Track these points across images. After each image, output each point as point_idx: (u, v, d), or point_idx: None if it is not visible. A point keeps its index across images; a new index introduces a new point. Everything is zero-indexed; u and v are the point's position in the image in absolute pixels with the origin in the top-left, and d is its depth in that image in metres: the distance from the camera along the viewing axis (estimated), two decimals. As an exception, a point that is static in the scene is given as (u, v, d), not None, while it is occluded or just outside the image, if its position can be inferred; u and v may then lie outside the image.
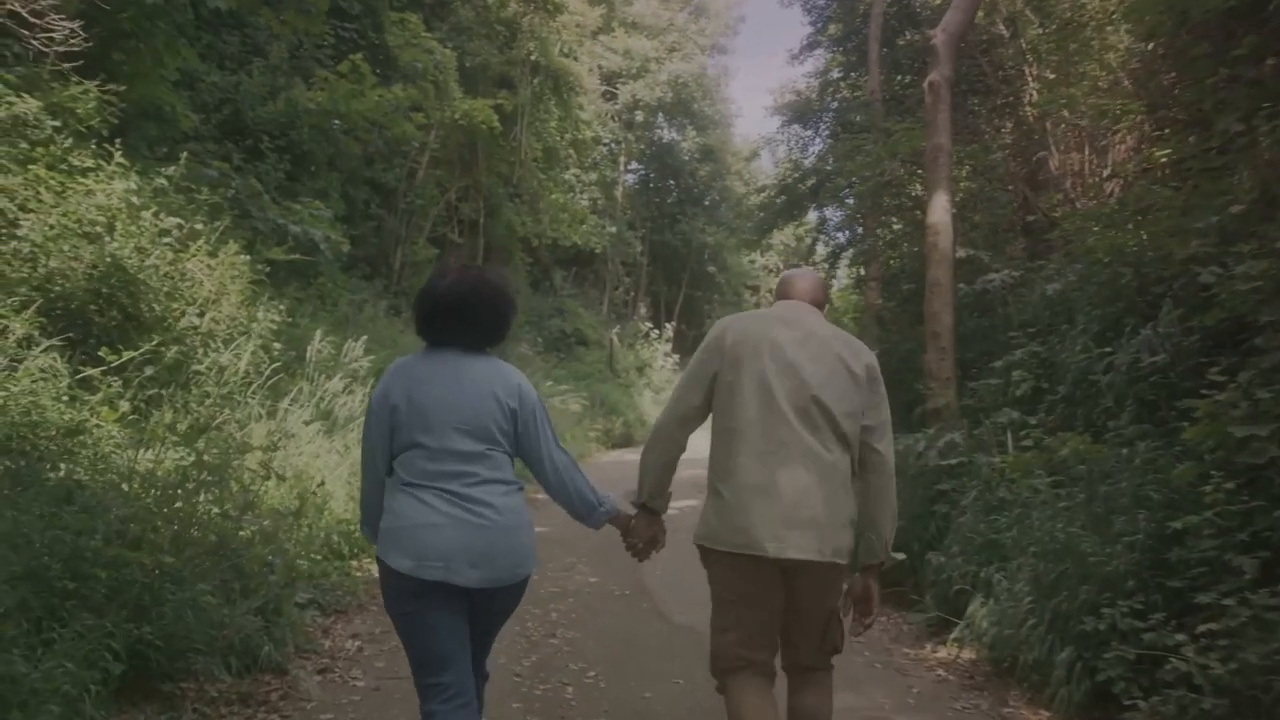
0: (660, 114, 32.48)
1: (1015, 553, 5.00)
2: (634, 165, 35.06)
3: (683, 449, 3.10)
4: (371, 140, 15.36)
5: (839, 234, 14.34)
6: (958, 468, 6.40)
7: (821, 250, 15.27)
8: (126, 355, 5.66)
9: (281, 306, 8.64)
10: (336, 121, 13.96)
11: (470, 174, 19.99)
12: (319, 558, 6.39)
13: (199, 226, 8.05)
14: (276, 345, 8.39)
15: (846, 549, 2.86)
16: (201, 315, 7.38)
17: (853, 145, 9.72)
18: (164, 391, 6.14)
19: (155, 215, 7.40)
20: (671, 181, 35.52)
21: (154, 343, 5.96)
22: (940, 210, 7.95)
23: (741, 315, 3.15)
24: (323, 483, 6.82)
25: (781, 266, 43.97)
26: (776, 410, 2.81)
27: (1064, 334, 6.93)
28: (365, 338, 9.10)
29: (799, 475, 2.77)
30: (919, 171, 9.27)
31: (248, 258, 8.13)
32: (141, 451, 5.14)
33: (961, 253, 8.24)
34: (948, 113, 8.17)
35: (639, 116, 31.47)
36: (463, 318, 2.85)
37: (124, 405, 5.59)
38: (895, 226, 10.53)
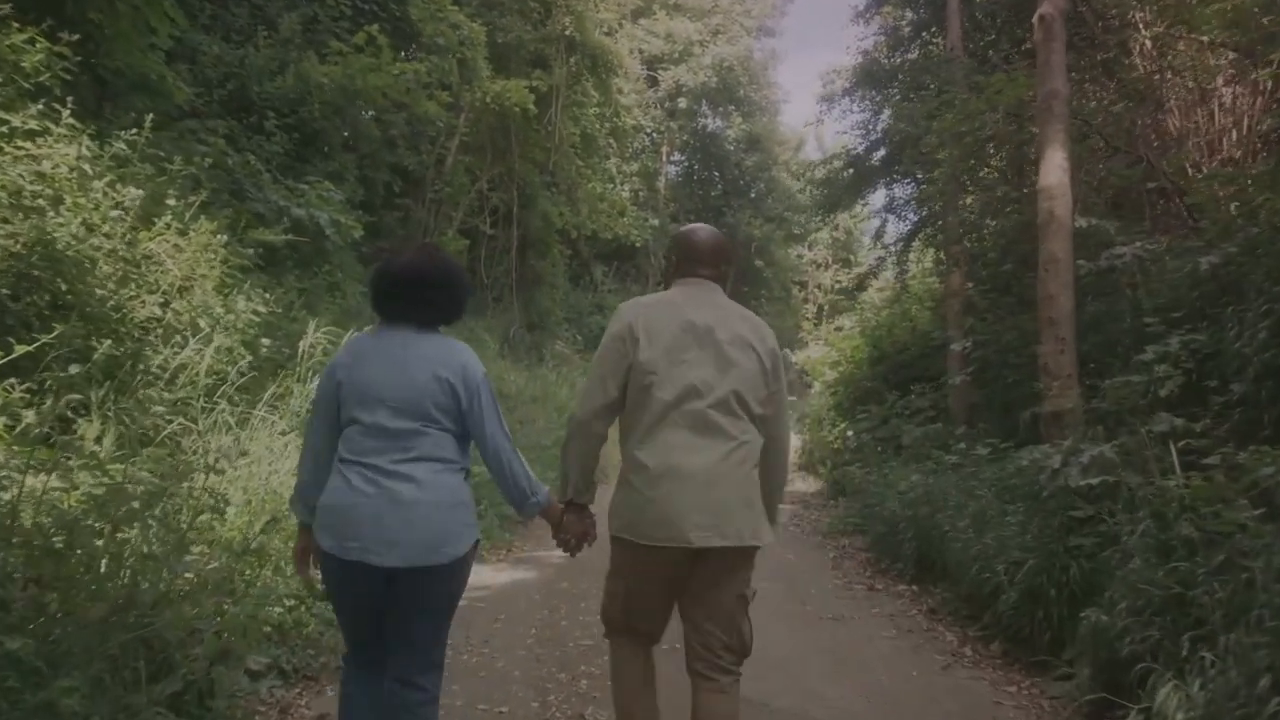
0: (704, 101, 31.02)
1: (1224, 618, 3.57)
2: (676, 156, 33.65)
3: (604, 440, 3.03)
4: (393, 120, 14.17)
5: (911, 212, 12.80)
6: (1100, 489, 4.96)
7: (892, 231, 13.78)
8: (20, 349, 4.39)
9: (268, 295, 7.41)
10: (361, 105, 12.81)
11: (503, 161, 18.74)
12: (292, 602, 5.11)
13: (171, 201, 6.87)
14: (265, 341, 7.19)
15: (763, 531, 2.92)
16: (166, 304, 6.17)
17: (941, 100, 8.24)
18: (93, 396, 4.89)
19: (110, 186, 6.22)
20: (716, 173, 34.05)
21: (54, 333, 4.66)
22: (1056, 170, 6.51)
23: (646, 302, 3.07)
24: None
25: (830, 261, 42.38)
26: (695, 401, 2.83)
27: (1228, 318, 5.48)
28: (369, 328, 7.79)
29: (719, 464, 2.81)
30: (1018, 129, 7.82)
31: (224, 238, 6.88)
32: (37, 478, 3.87)
33: (1081, 222, 6.76)
34: (1063, 52, 6.72)
35: (682, 103, 30.02)
36: (419, 293, 2.86)
37: (30, 416, 4.35)
38: (978, 195, 9.01)
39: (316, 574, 2.96)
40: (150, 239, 6.32)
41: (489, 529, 7.81)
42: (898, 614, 6.15)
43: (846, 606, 6.33)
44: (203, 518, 4.61)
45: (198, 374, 5.71)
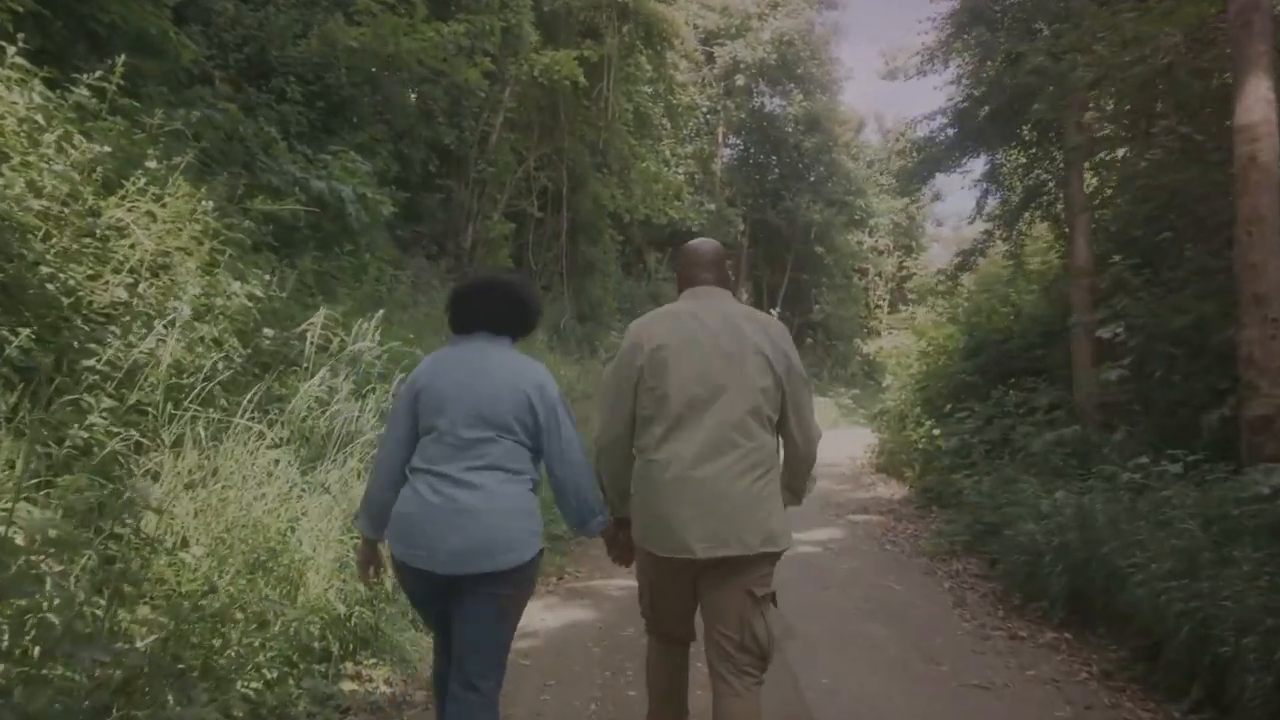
0: (761, 80, 29.47)
1: None
2: (732, 139, 32.16)
3: (628, 457, 3.05)
4: (430, 91, 12.95)
5: (1018, 180, 11.16)
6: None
7: (993, 203, 12.11)
8: None
9: (269, 277, 6.19)
10: (395, 72, 11.59)
11: (551, 139, 17.47)
12: (273, 674, 3.87)
13: (151, 164, 5.69)
14: (267, 331, 6.01)
15: (778, 535, 2.90)
16: (134, 285, 4.97)
17: (1080, 31, 6.66)
18: (3, 403, 3.67)
19: (66, 139, 5.05)
20: (773, 156, 32.53)
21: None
22: (1259, 103, 5.07)
23: (654, 316, 3.13)
24: (284, 539, 4.31)
25: (891, 247, 40.65)
26: (696, 411, 2.86)
27: None
28: (381, 312, 6.53)
29: (725, 474, 2.83)
30: (1195, 55, 6.29)
31: (210, 204, 5.65)
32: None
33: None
34: (1261, -45, 5.25)
35: (739, 81, 28.48)
36: (489, 297, 3.01)
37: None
38: (1138, 144, 7.34)
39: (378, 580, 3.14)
40: (118, 205, 5.12)
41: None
42: (1061, 678, 4.73)
43: (990, 665, 4.94)
44: (139, 569, 3.38)
45: (157, 371, 4.47)
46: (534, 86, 15.98)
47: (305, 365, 5.79)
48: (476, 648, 2.80)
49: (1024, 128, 10.05)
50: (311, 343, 5.80)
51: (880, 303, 37.50)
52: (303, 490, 4.67)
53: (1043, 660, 5.02)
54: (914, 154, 11.56)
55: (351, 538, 4.67)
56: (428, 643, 4.96)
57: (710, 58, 27.54)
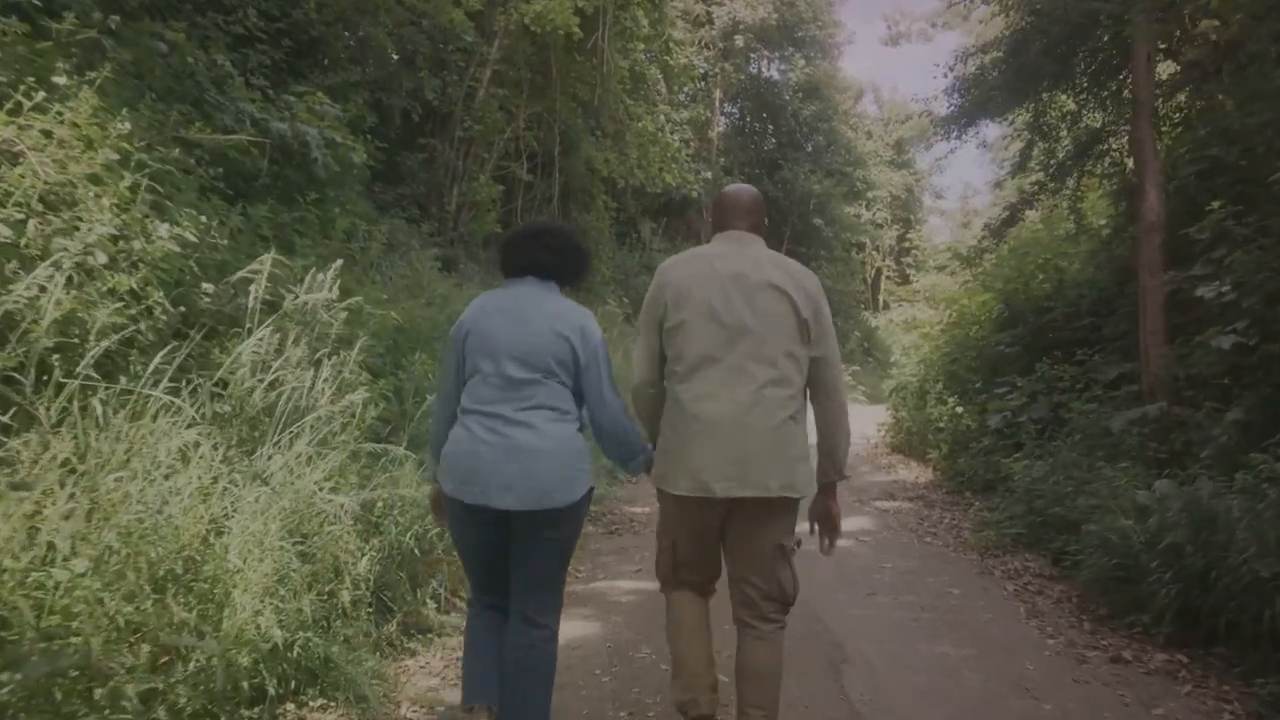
0: (761, 43, 28.28)
1: None
2: (728, 108, 30.99)
3: (662, 399, 3.04)
4: (411, 35, 11.83)
5: (1065, 129, 10.08)
6: None
7: (1040, 151, 10.97)
8: None
9: (207, 220, 5.12)
10: (372, 13, 10.48)
11: (542, 97, 16.33)
12: (184, 734, 2.85)
13: (61, 79, 4.64)
14: (207, 286, 4.97)
15: (799, 482, 2.87)
16: (24, 223, 3.93)
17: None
18: None
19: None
20: (771, 124, 31.40)
21: None
22: None
23: (681, 257, 3.10)
24: (205, 547, 3.28)
25: (890, 220, 39.67)
26: (717, 350, 2.85)
27: None
28: (340, 262, 5.48)
29: (745, 413, 2.81)
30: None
31: (126, 126, 4.57)
32: None
33: None
34: None
35: (739, 41, 27.25)
36: (538, 242, 3.04)
37: None
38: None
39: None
40: (6, 123, 4.06)
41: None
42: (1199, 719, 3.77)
43: (1102, 701, 3.95)
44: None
45: (45, 329, 3.42)
46: (524, 38, 14.88)
47: (250, 325, 4.74)
48: (534, 586, 2.93)
49: (1078, 69, 8.96)
50: (256, 298, 4.74)
51: (883, 273, 36.51)
52: (232, 482, 3.64)
53: (1165, 694, 4.04)
54: (966, 91, 10.34)
55: (294, 543, 3.67)
56: (391, 673, 3.95)
57: (709, 17, 26.36)
